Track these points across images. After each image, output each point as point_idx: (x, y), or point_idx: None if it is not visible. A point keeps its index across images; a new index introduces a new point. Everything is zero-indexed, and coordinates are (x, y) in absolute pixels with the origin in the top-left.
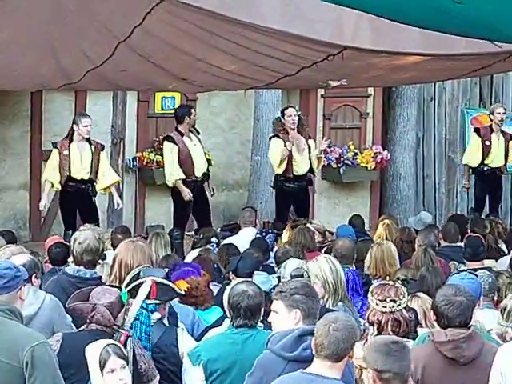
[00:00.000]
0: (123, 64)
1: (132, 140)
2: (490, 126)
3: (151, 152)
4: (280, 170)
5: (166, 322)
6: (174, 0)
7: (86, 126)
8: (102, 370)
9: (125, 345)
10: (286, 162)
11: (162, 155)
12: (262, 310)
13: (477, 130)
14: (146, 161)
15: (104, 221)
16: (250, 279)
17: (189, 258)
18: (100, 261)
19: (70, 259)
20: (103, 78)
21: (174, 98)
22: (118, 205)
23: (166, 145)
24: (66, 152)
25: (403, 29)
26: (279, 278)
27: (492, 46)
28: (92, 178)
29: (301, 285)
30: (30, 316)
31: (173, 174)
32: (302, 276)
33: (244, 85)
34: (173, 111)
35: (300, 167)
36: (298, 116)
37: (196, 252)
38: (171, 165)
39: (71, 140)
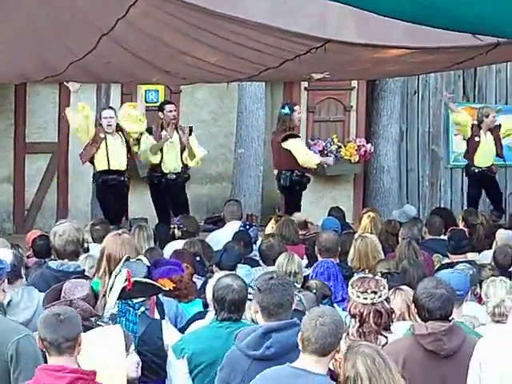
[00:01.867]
0: (106, 56)
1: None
2: (478, 124)
3: (135, 145)
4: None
5: (156, 313)
6: None
7: (106, 118)
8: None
9: None
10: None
11: None
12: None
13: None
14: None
15: (87, 213)
16: (233, 272)
17: (168, 250)
18: (83, 253)
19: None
20: (86, 70)
21: (157, 91)
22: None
23: (146, 136)
24: (102, 135)
25: (387, 22)
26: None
27: (474, 39)
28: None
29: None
30: (28, 320)
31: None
32: None
33: (227, 77)
34: (156, 104)
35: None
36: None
37: (175, 244)
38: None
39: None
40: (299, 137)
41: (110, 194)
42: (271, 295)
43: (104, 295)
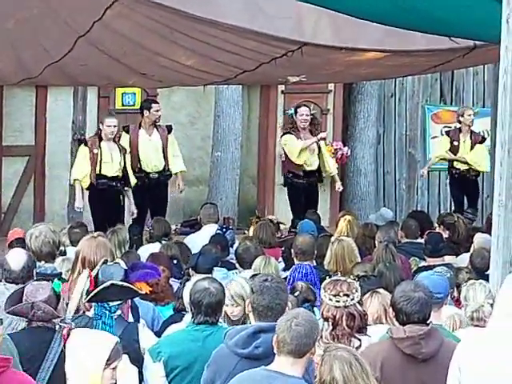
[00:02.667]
0: (83, 59)
1: None
2: (459, 128)
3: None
4: (300, 161)
5: (130, 316)
6: None
7: (110, 127)
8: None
9: (68, 338)
10: (306, 154)
11: None
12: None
13: (447, 133)
14: None
15: (64, 216)
16: (209, 275)
17: (142, 253)
18: (60, 257)
19: None
20: (63, 72)
21: (134, 93)
22: (132, 214)
23: (123, 135)
24: (96, 150)
25: (364, 25)
26: None
27: (450, 42)
28: (120, 176)
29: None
30: None
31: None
32: None
33: (203, 80)
34: (134, 107)
35: (309, 165)
36: (312, 115)
37: (149, 247)
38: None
39: (100, 138)
40: (294, 135)
41: (102, 200)
42: (262, 297)
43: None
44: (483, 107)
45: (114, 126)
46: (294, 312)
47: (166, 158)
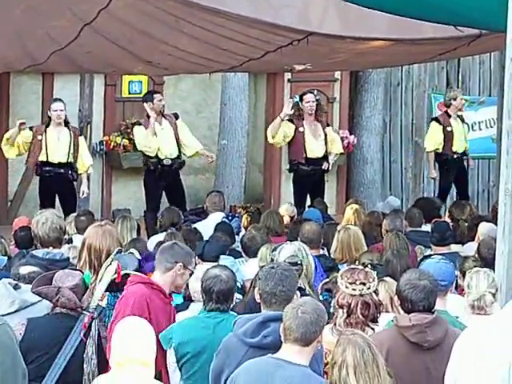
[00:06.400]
0: (88, 46)
1: (99, 124)
2: (446, 111)
3: (118, 136)
4: (271, 141)
5: None
6: None
7: (56, 111)
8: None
9: (89, 327)
10: (291, 142)
11: (129, 139)
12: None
13: (436, 119)
14: (112, 145)
15: None
16: (215, 263)
17: (152, 242)
18: (67, 244)
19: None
20: (68, 59)
21: (140, 82)
22: (83, 193)
23: (136, 129)
24: (39, 137)
25: (370, 14)
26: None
27: (456, 31)
28: (71, 161)
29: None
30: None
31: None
32: (296, 264)
33: (209, 68)
34: (140, 95)
35: (314, 152)
36: (317, 101)
37: (159, 236)
38: (140, 142)
39: (48, 125)
40: (294, 124)
41: (50, 187)
42: (265, 283)
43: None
44: (489, 96)
45: (61, 110)
46: (300, 300)
47: (178, 144)
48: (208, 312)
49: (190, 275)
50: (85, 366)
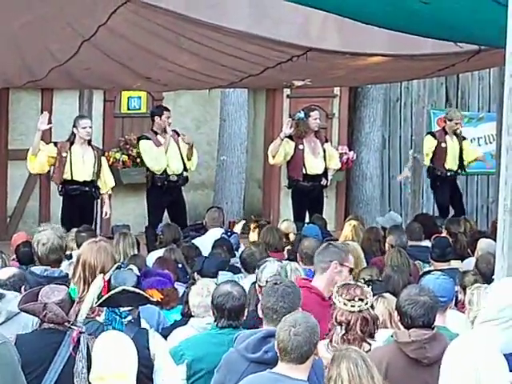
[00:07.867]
0: (87, 62)
1: (98, 140)
2: (444, 128)
3: (117, 152)
4: (272, 161)
5: (144, 322)
6: (139, 1)
7: (85, 128)
8: None
9: (78, 341)
10: (290, 159)
11: (128, 155)
12: (246, 310)
13: (431, 133)
14: (112, 161)
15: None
16: (214, 279)
17: (151, 258)
18: (67, 260)
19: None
20: (67, 75)
21: (140, 98)
22: (106, 214)
23: (142, 143)
24: (64, 154)
25: (369, 30)
26: (255, 280)
27: (456, 47)
28: (95, 180)
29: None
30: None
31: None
32: None
33: (208, 84)
34: (139, 111)
35: (313, 169)
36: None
37: (158, 252)
38: (152, 159)
39: (72, 143)
40: (293, 141)
41: (74, 204)
42: (267, 299)
43: (79, 301)
44: (489, 112)
45: (90, 127)
46: (291, 319)
47: (183, 160)
48: (220, 329)
49: (350, 272)
50: (75, 380)
